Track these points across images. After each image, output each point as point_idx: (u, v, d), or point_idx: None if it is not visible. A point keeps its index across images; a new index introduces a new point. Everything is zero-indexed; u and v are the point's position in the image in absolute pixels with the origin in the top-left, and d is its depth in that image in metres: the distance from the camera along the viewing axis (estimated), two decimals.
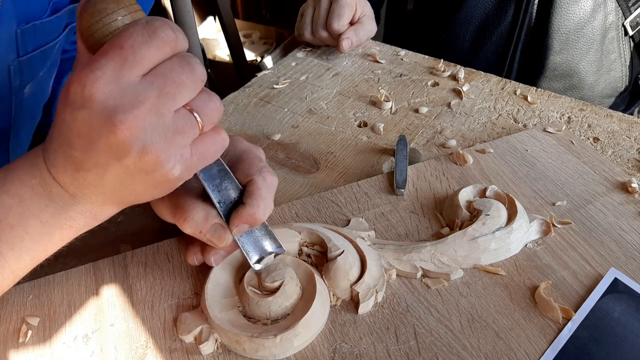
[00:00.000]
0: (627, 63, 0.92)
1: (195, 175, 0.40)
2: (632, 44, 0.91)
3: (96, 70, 0.32)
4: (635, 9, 0.87)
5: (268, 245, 0.44)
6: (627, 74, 0.93)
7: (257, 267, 0.44)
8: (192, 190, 0.42)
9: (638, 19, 0.88)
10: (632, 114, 0.98)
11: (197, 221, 0.41)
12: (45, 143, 0.37)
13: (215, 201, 0.41)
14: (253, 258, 0.44)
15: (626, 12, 0.87)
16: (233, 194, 0.42)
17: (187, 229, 0.42)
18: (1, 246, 0.37)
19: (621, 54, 0.91)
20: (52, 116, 0.70)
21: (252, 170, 0.43)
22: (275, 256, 0.45)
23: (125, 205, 0.40)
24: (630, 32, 0.89)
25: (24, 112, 0.59)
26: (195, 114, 0.35)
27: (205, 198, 0.42)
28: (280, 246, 0.45)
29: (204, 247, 0.44)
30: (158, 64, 0.34)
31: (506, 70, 0.93)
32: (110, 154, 0.34)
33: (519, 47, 0.90)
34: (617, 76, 0.93)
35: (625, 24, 0.88)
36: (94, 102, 0.33)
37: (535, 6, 0.86)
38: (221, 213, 0.42)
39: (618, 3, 0.86)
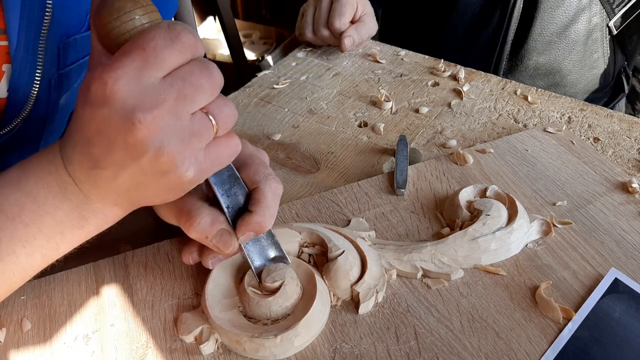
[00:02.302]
0: (610, 60, 0.93)
1: (205, 180, 0.40)
2: (614, 41, 0.92)
3: (117, 69, 0.32)
4: (619, 10, 0.88)
5: (272, 255, 0.45)
6: (611, 71, 0.95)
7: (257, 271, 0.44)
8: (197, 194, 0.42)
9: (621, 19, 0.89)
10: (613, 108, 0.99)
11: (203, 226, 0.41)
12: (62, 139, 0.38)
13: (224, 206, 0.41)
14: (256, 265, 0.44)
15: (610, 14, 0.88)
16: (241, 200, 0.42)
17: (193, 233, 0.41)
18: (14, 244, 0.37)
19: (604, 52, 0.92)
20: None
21: (258, 177, 0.43)
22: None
23: (136, 207, 0.40)
24: (615, 32, 0.90)
25: (57, 122, 0.60)
26: (211, 118, 0.36)
27: (212, 202, 0.42)
28: (284, 257, 0.45)
29: (202, 248, 0.44)
30: (178, 67, 0.34)
31: (492, 71, 0.94)
32: (127, 152, 0.34)
33: (505, 48, 0.91)
34: (600, 73, 0.94)
35: (609, 24, 0.89)
36: (115, 100, 0.33)
37: (520, 11, 0.88)
38: (229, 218, 0.42)
39: (602, 5, 0.87)
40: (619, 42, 0.94)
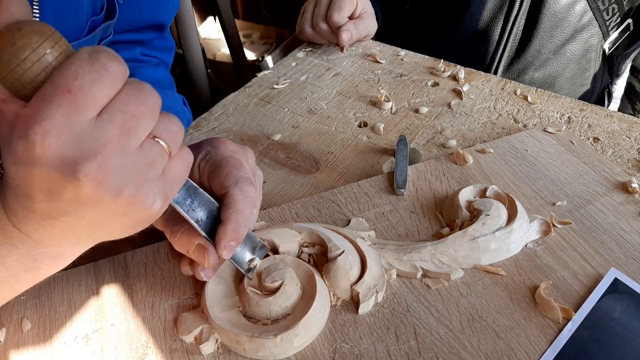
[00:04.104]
0: (599, 78, 0.96)
1: None
2: (605, 61, 0.95)
3: (43, 122, 0.28)
4: (613, 32, 0.91)
5: (253, 248, 0.44)
6: (597, 88, 0.98)
7: (250, 274, 0.44)
8: None
9: (614, 41, 0.92)
10: None
11: (183, 240, 0.41)
12: (1, 187, 0.33)
13: (193, 222, 0.39)
14: (245, 267, 0.44)
15: (606, 35, 0.91)
16: (209, 208, 0.41)
17: (177, 246, 0.42)
18: None
19: (594, 71, 0.95)
20: None
21: (228, 181, 0.41)
22: (263, 256, 0.45)
23: (98, 242, 0.37)
24: (607, 53, 0.92)
25: None
26: (160, 141, 0.32)
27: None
28: (263, 246, 0.44)
29: (192, 261, 0.44)
30: (111, 100, 0.30)
31: None
32: (79, 204, 0.31)
33: (501, 63, 0.93)
34: (587, 90, 0.97)
35: (604, 46, 0.92)
36: (49, 157, 0.29)
37: (520, 28, 0.89)
38: (202, 231, 0.40)
39: (600, 27, 0.88)
40: (609, 62, 0.97)
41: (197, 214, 0.40)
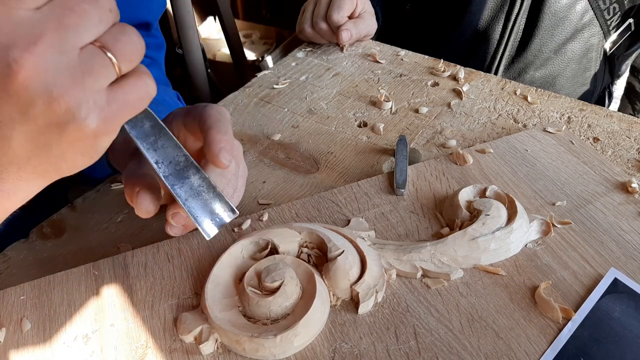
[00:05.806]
0: (600, 78, 0.97)
1: (130, 136, 0.35)
2: (606, 61, 0.95)
3: None
4: (614, 32, 0.91)
5: (219, 209, 0.41)
6: (598, 88, 0.99)
7: (211, 233, 0.41)
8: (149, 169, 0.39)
9: (614, 41, 0.93)
10: None
11: (132, 182, 0.40)
12: None
13: (152, 162, 0.37)
14: (203, 223, 0.41)
15: (607, 35, 0.91)
16: (173, 153, 0.38)
17: (126, 189, 0.41)
18: None
19: (595, 70, 0.95)
20: None
21: (209, 122, 0.40)
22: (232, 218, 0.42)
23: (49, 179, 0.34)
24: (609, 53, 0.93)
25: None
26: (107, 52, 0.30)
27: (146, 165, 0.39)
28: (232, 209, 0.41)
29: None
30: None
31: None
32: (11, 105, 0.29)
33: (502, 62, 0.93)
34: (590, 89, 0.97)
35: (605, 46, 0.92)
36: None
37: (521, 27, 0.89)
38: (161, 174, 0.37)
39: (601, 27, 0.88)
40: (610, 62, 0.97)
41: (158, 155, 0.38)
